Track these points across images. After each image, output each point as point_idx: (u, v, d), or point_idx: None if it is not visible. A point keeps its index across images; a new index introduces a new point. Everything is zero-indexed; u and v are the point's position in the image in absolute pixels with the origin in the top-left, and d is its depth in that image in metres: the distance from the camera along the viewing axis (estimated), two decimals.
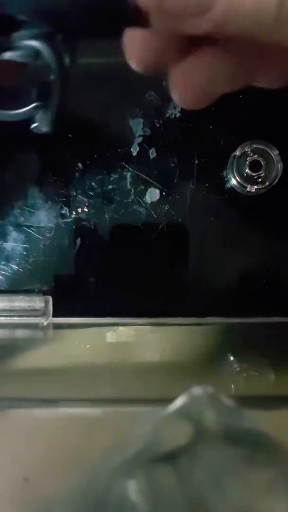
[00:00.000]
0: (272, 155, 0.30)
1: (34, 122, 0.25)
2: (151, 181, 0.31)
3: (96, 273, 0.31)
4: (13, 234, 0.31)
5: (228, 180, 0.31)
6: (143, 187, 0.31)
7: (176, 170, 0.31)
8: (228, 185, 0.31)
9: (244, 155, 0.30)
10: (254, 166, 0.30)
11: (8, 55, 0.23)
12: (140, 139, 0.31)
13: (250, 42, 0.18)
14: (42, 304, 0.30)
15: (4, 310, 0.30)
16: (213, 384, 0.20)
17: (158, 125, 0.31)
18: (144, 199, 0.31)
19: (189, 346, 0.30)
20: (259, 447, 0.18)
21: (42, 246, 0.31)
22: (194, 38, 0.19)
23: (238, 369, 0.29)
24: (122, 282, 0.32)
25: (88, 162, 0.31)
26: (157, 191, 0.31)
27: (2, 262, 0.31)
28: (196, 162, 0.31)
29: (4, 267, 0.31)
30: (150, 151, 0.31)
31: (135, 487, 0.17)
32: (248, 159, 0.30)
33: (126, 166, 0.31)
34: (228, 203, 0.31)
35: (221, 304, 0.32)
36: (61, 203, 0.31)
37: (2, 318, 0.30)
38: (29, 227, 0.31)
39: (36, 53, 0.24)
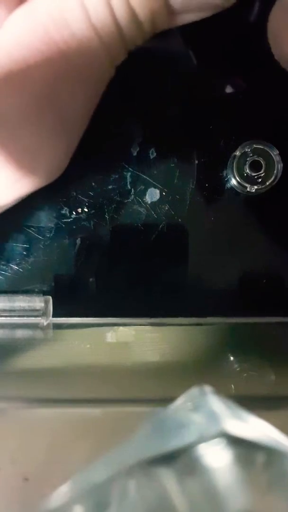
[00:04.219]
0: (272, 155, 0.30)
1: None
2: (151, 181, 0.31)
3: (96, 273, 0.31)
4: (13, 234, 0.31)
5: (228, 180, 0.31)
6: (143, 187, 0.31)
7: (176, 170, 0.31)
8: (228, 185, 0.31)
9: (244, 155, 0.30)
10: (254, 166, 0.30)
11: None
12: (140, 139, 0.31)
13: None
14: (42, 304, 0.30)
15: (4, 310, 0.30)
16: (213, 384, 0.20)
17: (158, 125, 0.31)
18: (144, 199, 0.31)
19: (189, 346, 0.30)
20: (259, 447, 0.18)
21: (42, 246, 0.31)
22: None
23: (238, 369, 0.29)
24: (122, 282, 0.32)
25: (88, 162, 0.31)
26: (157, 191, 0.31)
27: (2, 262, 0.31)
28: (196, 162, 0.31)
29: (4, 267, 0.31)
30: (150, 151, 0.31)
31: (135, 487, 0.17)
32: (248, 159, 0.30)
33: (126, 166, 0.31)
34: (228, 203, 0.31)
35: (221, 304, 0.32)
36: (61, 203, 0.31)
37: (2, 318, 0.30)
38: (29, 227, 0.31)
39: None
